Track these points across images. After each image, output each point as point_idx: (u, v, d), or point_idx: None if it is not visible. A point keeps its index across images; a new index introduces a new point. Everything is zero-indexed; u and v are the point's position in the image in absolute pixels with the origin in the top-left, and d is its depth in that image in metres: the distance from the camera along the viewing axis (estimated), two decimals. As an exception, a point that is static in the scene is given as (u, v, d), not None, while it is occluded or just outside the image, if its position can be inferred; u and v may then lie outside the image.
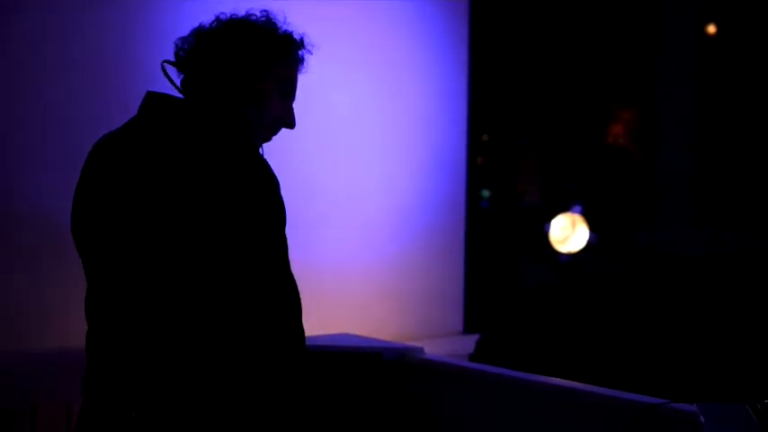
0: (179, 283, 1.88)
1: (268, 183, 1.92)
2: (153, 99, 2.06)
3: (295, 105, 2.20)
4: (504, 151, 9.69)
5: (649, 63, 9.35)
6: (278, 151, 2.36)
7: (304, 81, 2.21)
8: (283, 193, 1.94)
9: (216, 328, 1.88)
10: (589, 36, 9.35)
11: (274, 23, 2.16)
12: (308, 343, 3.11)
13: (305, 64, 2.21)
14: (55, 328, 3.05)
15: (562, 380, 2.88)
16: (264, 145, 2.19)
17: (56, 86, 3.15)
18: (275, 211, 1.93)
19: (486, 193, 9.46)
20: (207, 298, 1.88)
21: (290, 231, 3.56)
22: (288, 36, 2.17)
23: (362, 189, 4.05)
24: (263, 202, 1.90)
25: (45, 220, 3.06)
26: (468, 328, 4.54)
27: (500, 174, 9.56)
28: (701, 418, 2.14)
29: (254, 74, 2.11)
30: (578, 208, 6.01)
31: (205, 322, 1.88)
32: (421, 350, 3.19)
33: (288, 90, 2.18)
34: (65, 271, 2.76)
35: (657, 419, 2.43)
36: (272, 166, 1.96)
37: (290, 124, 2.20)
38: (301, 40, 2.19)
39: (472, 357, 4.53)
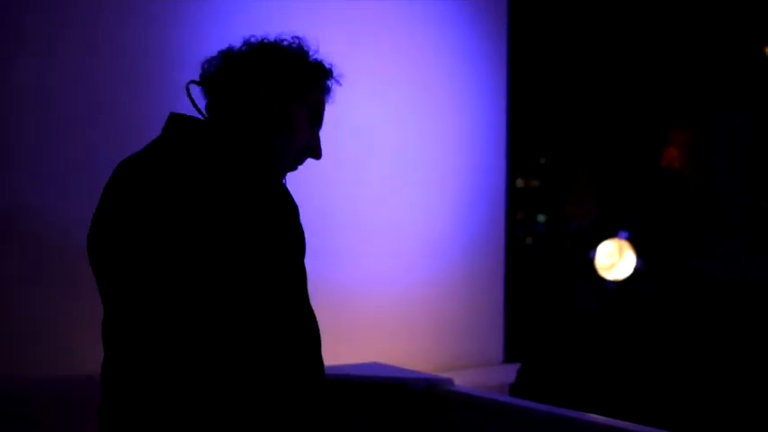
0: (196, 312, 1.83)
1: (287, 211, 1.87)
2: (177, 121, 2.02)
3: (330, 130, 2.17)
4: (558, 175, 9.58)
5: (705, 86, 9.19)
6: (311, 176, 2.33)
7: (337, 106, 2.20)
8: (315, 219, 1.88)
9: (233, 360, 1.83)
10: (643, 59, 9.22)
11: (305, 50, 2.14)
12: (335, 372, 3.04)
13: (332, 95, 2.19)
14: (72, 355, 3.00)
15: (598, 416, 2.76)
16: (298, 170, 2.16)
17: (72, 101, 3.11)
18: (294, 241, 1.87)
19: (542, 218, 9.39)
20: (224, 328, 1.83)
21: (321, 258, 3.51)
22: (318, 63, 2.15)
23: (397, 213, 3.96)
24: (282, 232, 1.85)
25: (63, 241, 3.01)
26: (508, 358, 4.43)
27: (553, 198, 9.45)
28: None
29: (283, 99, 2.07)
30: (625, 234, 5.87)
31: (222, 353, 1.83)
32: (450, 381, 3.08)
33: (316, 118, 2.15)
34: (82, 296, 2.70)
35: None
36: (300, 192, 1.92)
37: (317, 154, 2.17)
38: (330, 69, 2.17)
39: (513, 388, 4.41)
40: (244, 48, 2.10)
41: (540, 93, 8.03)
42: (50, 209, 3.06)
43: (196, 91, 2.12)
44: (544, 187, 9.68)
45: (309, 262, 1.90)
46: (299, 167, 2.17)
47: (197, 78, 2.12)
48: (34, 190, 3.04)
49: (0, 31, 2.97)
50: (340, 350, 3.50)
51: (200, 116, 2.05)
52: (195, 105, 2.09)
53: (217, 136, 1.97)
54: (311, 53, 2.14)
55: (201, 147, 1.94)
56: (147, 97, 3.20)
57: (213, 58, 2.11)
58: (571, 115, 9.25)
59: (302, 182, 2.24)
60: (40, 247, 3.03)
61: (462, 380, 3.44)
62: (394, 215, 3.94)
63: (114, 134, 3.14)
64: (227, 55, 2.10)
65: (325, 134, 2.18)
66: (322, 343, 1.90)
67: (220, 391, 1.83)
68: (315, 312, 1.90)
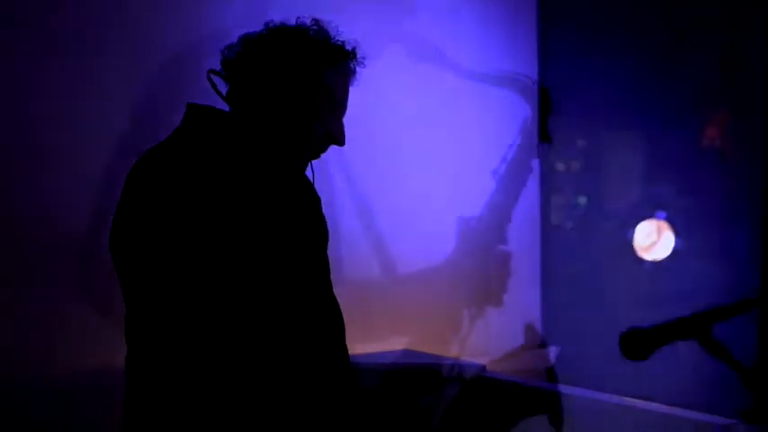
0: (219, 303, 1.81)
1: (308, 202, 1.84)
2: (195, 112, 1.99)
3: (366, 125, 2.12)
4: (597, 155, 9.50)
5: (744, 63, 9.06)
6: (340, 165, 2.30)
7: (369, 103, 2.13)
8: (341, 207, 1.86)
9: (256, 351, 1.82)
10: (684, 39, 9.11)
11: (326, 33, 2.08)
12: (368, 360, 3.03)
13: (355, 77, 2.13)
14: (96, 350, 2.99)
15: (633, 399, 2.73)
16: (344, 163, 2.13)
17: (96, 97, 3.08)
18: (315, 232, 1.85)
19: (582, 200, 9.29)
20: (247, 319, 1.81)
21: (353, 246, 3.48)
22: (339, 47, 2.09)
23: (431, 199, 3.93)
24: (303, 223, 1.83)
25: (84, 236, 3.00)
26: (545, 342, 4.38)
27: (591, 179, 9.37)
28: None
29: (303, 86, 2.02)
30: (663, 214, 5.78)
31: (245, 344, 1.82)
32: (483, 367, 3.06)
33: (338, 104, 2.09)
34: (106, 291, 2.70)
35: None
36: (334, 182, 1.88)
37: (340, 141, 2.12)
38: (353, 51, 2.10)
39: (551, 372, 4.36)
40: (263, 32, 2.06)
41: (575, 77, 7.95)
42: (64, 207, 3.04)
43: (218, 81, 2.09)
44: (585, 170, 9.60)
45: (342, 251, 1.87)
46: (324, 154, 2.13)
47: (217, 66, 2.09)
48: (50, 186, 3.02)
49: (6, 28, 2.94)
50: (371, 337, 3.48)
51: (219, 105, 2.03)
52: (219, 93, 2.06)
53: (237, 128, 1.95)
54: (332, 36, 2.09)
55: (222, 139, 1.91)
56: (157, 90, 3.16)
57: (233, 44, 2.07)
58: (610, 96, 9.17)
59: (335, 172, 2.18)
60: (56, 240, 3.01)
61: (498, 365, 3.41)
62: (429, 201, 3.91)
63: (115, 131, 3.10)
64: (247, 40, 2.06)
65: (364, 127, 2.10)
66: (355, 331, 1.88)
67: (244, 383, 1.82)
68: (345, 300, 1.88)
